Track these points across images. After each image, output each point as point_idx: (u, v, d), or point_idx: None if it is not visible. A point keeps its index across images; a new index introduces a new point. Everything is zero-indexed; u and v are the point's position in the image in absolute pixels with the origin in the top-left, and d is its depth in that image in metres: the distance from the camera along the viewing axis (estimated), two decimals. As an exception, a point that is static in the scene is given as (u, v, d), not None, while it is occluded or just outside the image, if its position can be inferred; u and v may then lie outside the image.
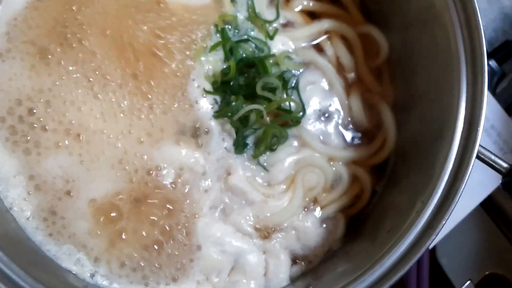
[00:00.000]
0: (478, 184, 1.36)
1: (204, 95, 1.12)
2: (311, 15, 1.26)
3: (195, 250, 1.06)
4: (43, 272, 0.93)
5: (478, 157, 0.97)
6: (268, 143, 1.13)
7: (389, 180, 1.20)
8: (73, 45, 1.08)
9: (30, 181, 1.02)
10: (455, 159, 0.97)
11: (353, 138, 1.22)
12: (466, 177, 0.94)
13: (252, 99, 1.13)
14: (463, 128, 0.98)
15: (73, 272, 1.01)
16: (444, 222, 0.93)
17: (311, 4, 1.26)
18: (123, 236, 1.03)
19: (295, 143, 1.17)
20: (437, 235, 0.94)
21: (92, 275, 1.02)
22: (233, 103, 1.12)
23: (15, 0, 1.09)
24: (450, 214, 0.93)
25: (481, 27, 0.99)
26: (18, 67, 1.05)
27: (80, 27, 1.09)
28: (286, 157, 1.15)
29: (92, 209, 1.03)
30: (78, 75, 1.07)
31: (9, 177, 1.02)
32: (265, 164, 1.14)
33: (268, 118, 1.14)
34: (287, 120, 1.16)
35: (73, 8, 1.10)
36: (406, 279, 1.34)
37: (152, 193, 1.06)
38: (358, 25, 1.26)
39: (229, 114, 1.11)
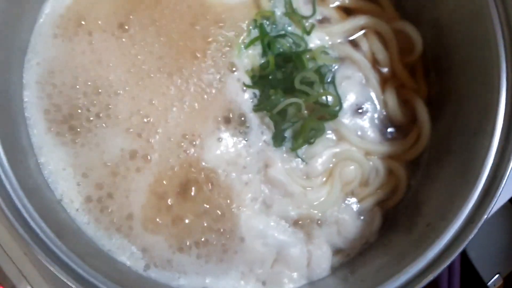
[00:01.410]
0: (509, 179, 1.36)
1: (244, 89, 1.14)
2: (347, 11, 1.27)
3: (239, 242, 1.08)
4: (98, 261, 0.96)
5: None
6: (307, 136, 1.14)
7: (424, 174, 1.21)
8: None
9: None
10: (495, 155, 0.98)
11: (388, 133, 1.23)
12: (507, 173, 0.96)
13: (290, 93, 1.15)
14: (503, 124, 0.99)
15: (127, 265, 1.05)
16: (486, 216, 0.94)
17: (346, 0, 1.27)
18: (170, 229, 1.06)
19: (333, 137, 1.19)
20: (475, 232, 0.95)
21: (147, 268, 1.05)
22: (272, 97, 1.13)
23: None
24: (492, 208, 0.95)
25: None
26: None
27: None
28: (324, 150, 1.17)
29: (143, 198, 1.06)
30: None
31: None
32: (303, 156, 1.16)
33: (306, 112, 1.15)
34: (324, 114, 1.17)
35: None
36: (437, 272, 1.35)
37: (196, 184, 1.08)
38: (393, 21, 1.27)
39: (268, 107, 1.13)
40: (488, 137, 0.99)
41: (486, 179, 0.98)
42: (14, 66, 1.07)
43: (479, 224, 0.94)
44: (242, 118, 1.13)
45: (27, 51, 1.10)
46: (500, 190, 0.96)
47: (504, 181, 0.96)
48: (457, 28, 1.15)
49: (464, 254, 1.41)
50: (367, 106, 1.23)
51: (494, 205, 0.95)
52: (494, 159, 0.98)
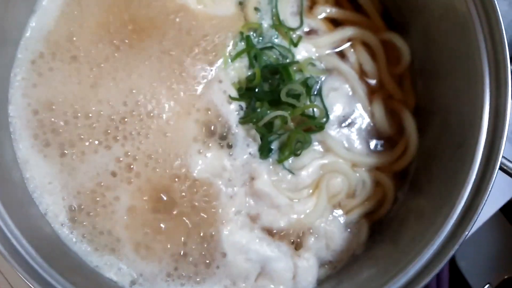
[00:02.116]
0: (498, 189, 1.35)
1: (230, 101, 1.15)
2: (334, 23, 1.27)
3: (220, 257, 1.08)
4: (81, 277, 0.96)
5: (501, 168, 0.98)
6: (292, 148, 1.14)
7: (411, 186, 1.21)
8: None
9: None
10: (478, 169, 0.98)
11: (375, 144, 1.23)
12: (490, 188, 0.96)
13: (276, 105, 1.15)
14: (486, 138, 0.99)
15: (114, 280, 1.06)
16: (467, 232, 0.94)
17: (334, 11, 1.27)
18: (152, 243, 1.07)
19: (320, 149, 1.19)
20: (460, 244, 0.95)
21: (132, 283, 1.06)
22: (259, 110, 1.14)
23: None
24: (474, 223, 0.95)
25: (505, 41, 0.99)
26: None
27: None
28: (311, 162, 1.17)
29: (126, 213, 1.06)
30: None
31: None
32: (290, 168, 1.16)
33: (292, 124, 1.15)
34: (311, 126, 1.17)
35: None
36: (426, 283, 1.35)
37: (179, 198, 1.08)
38: (381, 33, 1.27)
39: (255, 120, 1.13)
40: (471, 151, 0.99)
41: (470, 192, 0.98)
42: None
43: (464, 237, 0.95)
44: (228, 130, 1.13)
45: (13, 65, 1.10)
46: (483, 202, 0.96)
47: (487, 195, 0.96)
48: (443, 40, 1.15)
49: (454, 264, 1.42)
50: (354, 117, 1.23)
51: (477, 218, 0.95)
52: (477, 172, 0.98)
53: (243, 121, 1.14)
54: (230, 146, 1.13)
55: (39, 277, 0.89)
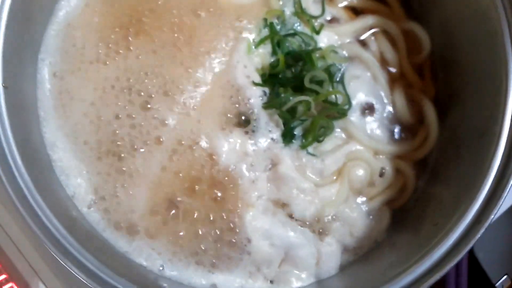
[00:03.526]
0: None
1: (254, 87, 1.15)
2: (355, 11, 1.28)
3: (246, 243, 1.08)
4: (108, 257, 0.98)
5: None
6: (316, 134, 1.15)
7: (431, 174, 1.22)
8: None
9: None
10: (502, 156, 0.98)
11: (396, 132, 1.24)
12: (512, 178, 0.96)
13: (299, 91, 1.16)
14: (511, 125, 0.99)
15: (143, 265, 1.07)
16: (492, 217, 0.95)
17: (355, 0, 1.28)
18: (178, 227, 1.08)
19: (342, 135, 1.19)
20: (481, 232, 0.96)
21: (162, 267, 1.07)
22: (282, 95, 1.14)
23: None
24: (498, 209, 0.95)
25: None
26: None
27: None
28: (333, 149, 1.18)
29: (152, 198, 1.07)
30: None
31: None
32: (312, 152, 1.17)
33: (315, 111, 1.16)
34: (333, 112, 1.18)
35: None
36: (445, 273, 1.35)
37: (202, 182, 1.09)
38: (401, 22, 1.27)
39: (278, 105, 1.14)
40: (495, 139, 1.00)
41: (493, 181, 0.98)
42: (27, 64, 1.09)
43: (486, 225, 0.95)
44: (251, 116, 1.14)
45: (40, 49, 1.11)
46: (507, 191, 0.96)
47: (510, 185, 0.96)
48: (464, 28, 1.16)
49: (472, 255, 1.41)
50: (375, 105, 1.23)
51: (500, 206, 0.95)
52: (501, 161, 0.98)
53: (267, 106, 1.15)
54: (253, 131, 1.13)
55: (72, 257, 0.90)
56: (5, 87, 0.97)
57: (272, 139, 1.15)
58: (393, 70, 1.26)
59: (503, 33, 1.03)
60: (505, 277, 1.41)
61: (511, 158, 0.98)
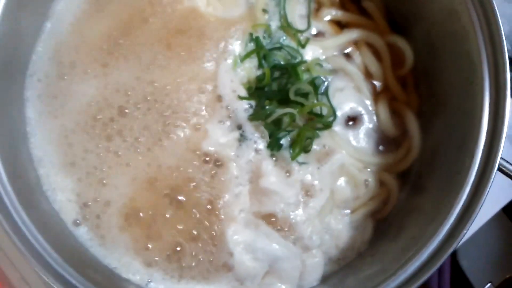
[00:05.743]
0: (501, 189, 1.38)
1: (240, 100, 1.17)
2: (339, 25, 1.30)
3: (228, 257, 1.10)
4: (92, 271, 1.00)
5: (499, 169, 1.00)
6: (303, 145, 1.17)
7: (413, 185, 1.24)
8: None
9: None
10: (477, 170, 1.00)
11: (380, 144, 1.26)
12: (487, 189, 0.97)
13: (285, 104, 1.18)
14: (486, 140, 1.01)
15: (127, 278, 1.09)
16: (465, 232, 0.96)
17: (339, 14, 1.30)
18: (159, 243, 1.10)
19: (327, 148, 1.21)
20: (458, 243, 0.98)
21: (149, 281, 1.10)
22: (267, 107, 1.17)
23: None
24: (471, 224, 0.97)
25: (505, 45, 1.01)
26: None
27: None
28: (317, 161, 1.19)
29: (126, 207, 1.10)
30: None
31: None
32: (302, 161, 1.19)
33: (300, 122, 1.18)
34: (319, 124, 1.20)
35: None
36: (428, 281, 1.36)
37: (185, 191, 1.11)
38: (385, 35, 1.30)
39: (263, 117, 1.16)
40: (470, 152, 1.01)
41: (468, 193, 0.99)
42: (15, 81, 1.11)
43: (460, 239, 0.97)
44: (236, 128, 1.17)
45: (28, 66, 1.14)
46: (481, 204, 0.97)
47: (485, 195, 0.97)
48: (444, 43, 1.17)
49: (455, 263, 1.43)
50: (359, 117, 1.25)
51: (472, 222, 0.97)
52: (475, 175, 1.00)
53: (253, 117, 1.17)
54: (238, 143, 1.16)
55: (55, 272, 0.91)
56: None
57: (256, 150, 1.17)
58: (377, 83, 1.28)
59: (479, 50, 1.04)
60: (488, 284, 1.43)
61: (486, 170, 0.99)
